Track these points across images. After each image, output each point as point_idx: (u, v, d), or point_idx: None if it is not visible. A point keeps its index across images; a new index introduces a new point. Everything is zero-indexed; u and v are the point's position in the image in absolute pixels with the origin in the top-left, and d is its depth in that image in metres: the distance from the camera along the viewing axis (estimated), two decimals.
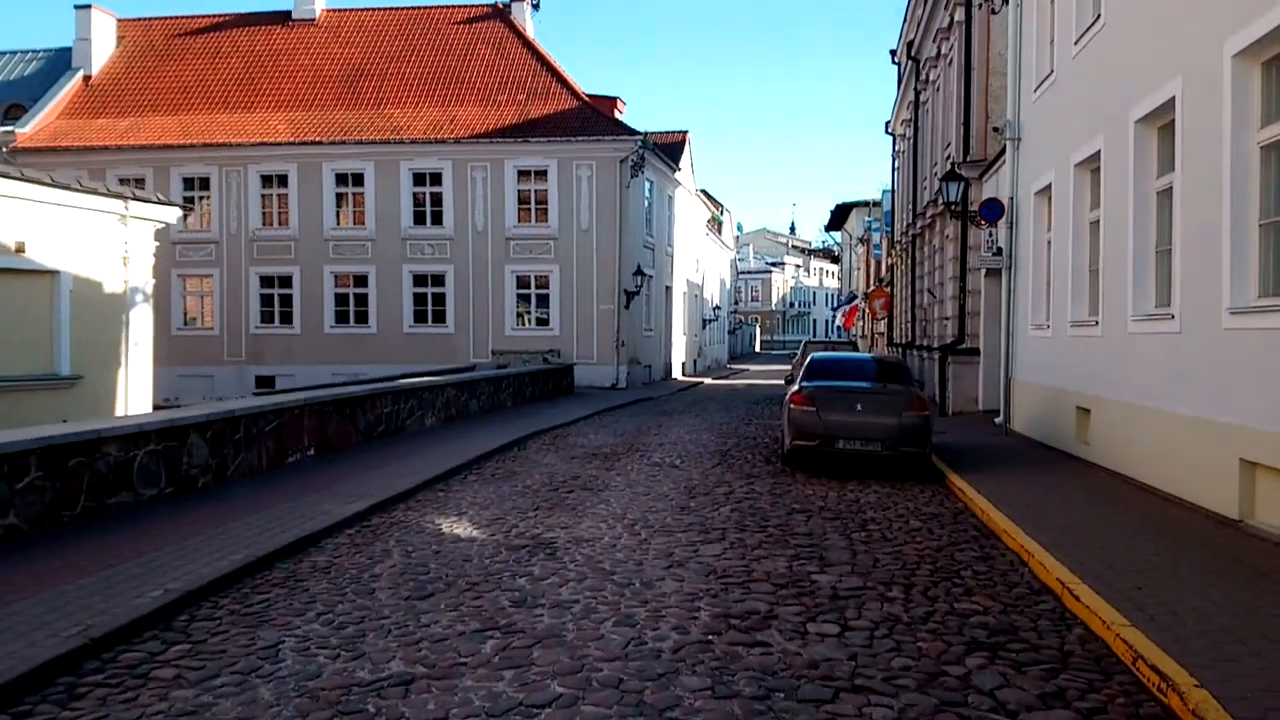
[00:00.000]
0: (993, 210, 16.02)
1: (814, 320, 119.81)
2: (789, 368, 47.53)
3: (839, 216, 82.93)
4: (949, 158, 24.43)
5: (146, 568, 6.86)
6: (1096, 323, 11.67)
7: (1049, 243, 14.41)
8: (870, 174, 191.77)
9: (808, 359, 13.39)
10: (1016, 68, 15.92)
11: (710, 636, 5.39)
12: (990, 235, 16.23)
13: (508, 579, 6.71)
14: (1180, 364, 9.17)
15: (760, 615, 5.80)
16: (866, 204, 72.61)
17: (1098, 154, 11.73)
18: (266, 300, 34.94)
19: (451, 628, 5.62)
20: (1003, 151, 17.77)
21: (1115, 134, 11.01)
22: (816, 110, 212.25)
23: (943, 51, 25.37)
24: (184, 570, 6.78)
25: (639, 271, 32.79)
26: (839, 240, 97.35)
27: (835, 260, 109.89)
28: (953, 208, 18.57)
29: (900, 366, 13.24)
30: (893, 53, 42.24)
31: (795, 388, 12.54)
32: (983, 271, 20.10)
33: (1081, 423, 12.41)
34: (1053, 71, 13.95)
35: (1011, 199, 16.06)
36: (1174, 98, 9.23)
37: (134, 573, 6.70)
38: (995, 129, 16.25)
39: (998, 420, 16.49)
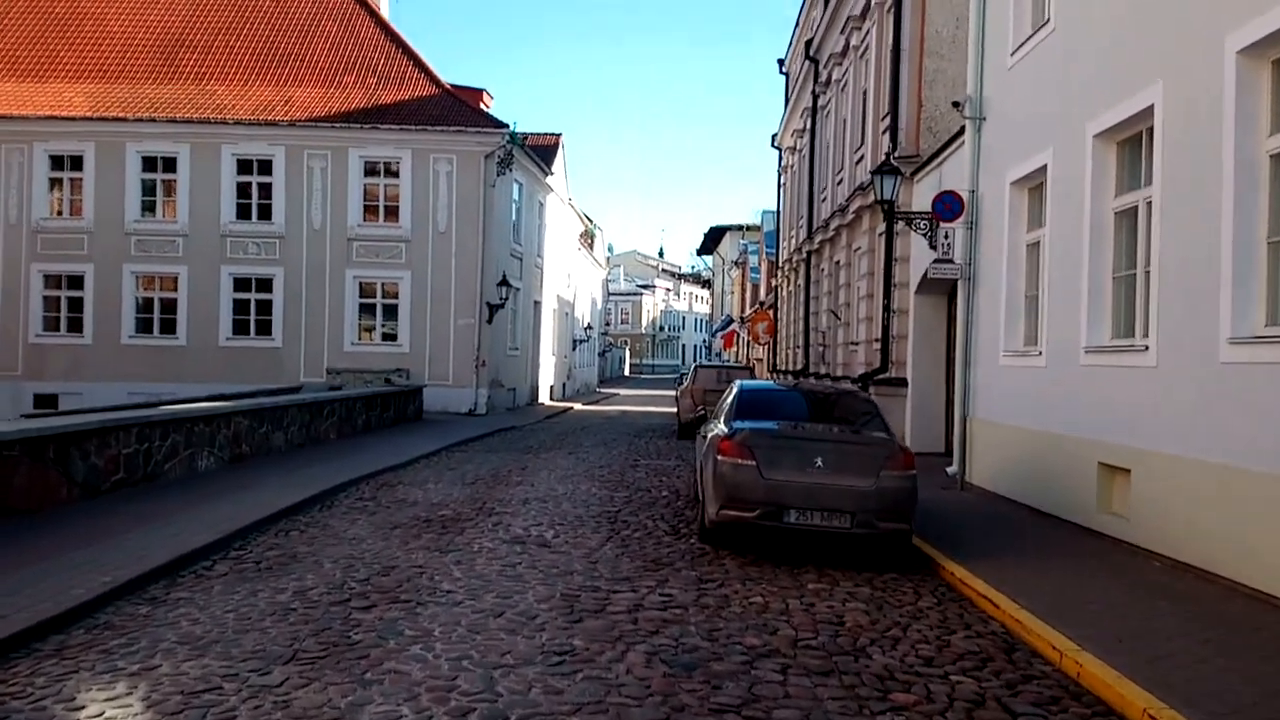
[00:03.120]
0: (949, 206, 12.72)
1: (683, 345, 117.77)
2: (673, 394, 43.54)
3: (712, 240, 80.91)
4: (860, 160, 21.41)
5: None
6: (1146, 348, 8.31)
7: (1038, 244, 11.14)
8: (741, 200, 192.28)
9: (735, 391, 9.55)
10: (980, 31, 12.74)
11: None
12: (946, 239, 12.94)
13: None
14: None
15: None
16: (741, 228, 70.81)
17: (1145, 113, 8.44)
18: (51, 304, 29.13)
19: None
20: (951, 141, 14.64)
21: (1186, 79, 7.73)
22: (689, 132, 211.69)
23: (853, 43, 22.41)
24: None
25: (504, 282, 28.60)
26: (710, 264, 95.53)
27: (706, 285, 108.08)
28: (885, 208, 15.29)
29: (864, 401, 9.60)
30: (780, 62, 39.81)
31: (723, 429, 8.67)
32: (911, 287, 16.97)
33: (1108, 485, 9.04)
34: (1048, 21, 10.72)
35: (973, 193, 12.82)
36: None
37: None
38: (956, 104, 13.07)
39: (950, 470, 13.15)
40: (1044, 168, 10.65)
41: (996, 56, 12.29)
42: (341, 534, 8.89)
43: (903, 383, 17.08)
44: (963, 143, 13.23)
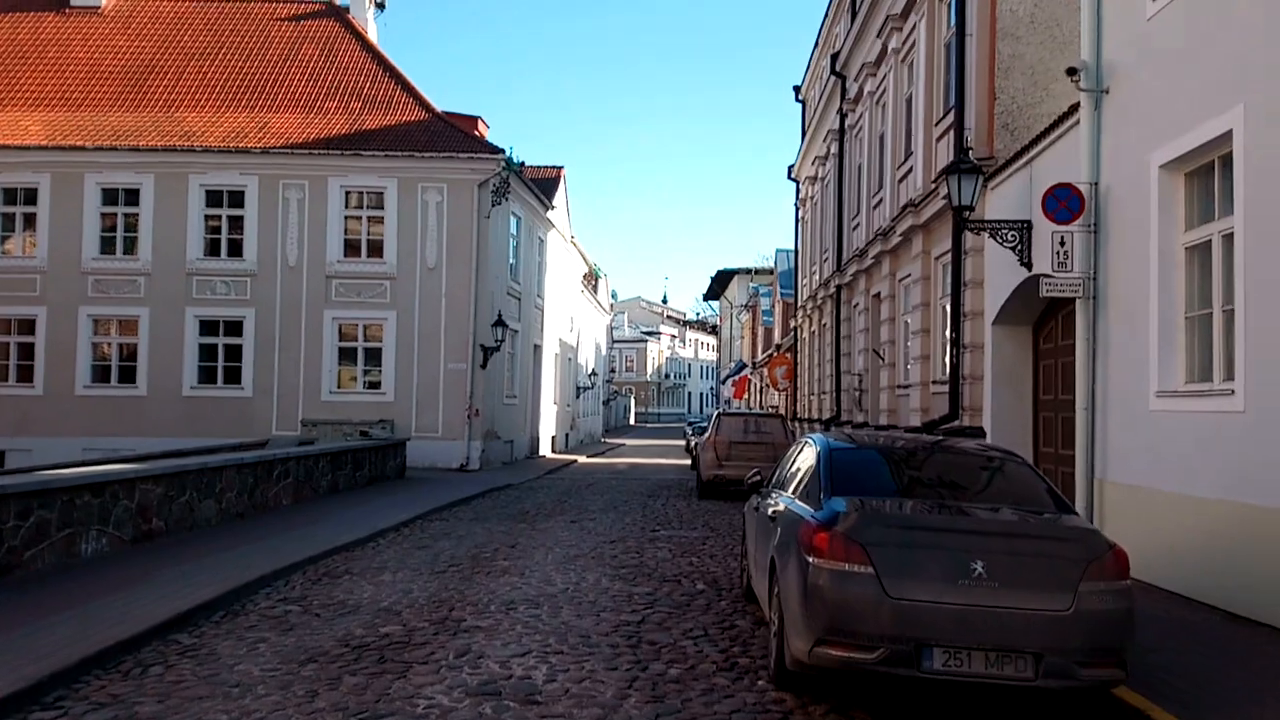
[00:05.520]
0: (1065, 203, 9.79)
1: (689, 393, 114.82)
2: (682, 443, 39.84)
3: (719, 284, 78.37)
4: (906, 175, 18.59)
5: None
6: None
7: (1209, 243, 8.18)
8: (746, 246, 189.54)
9: (817, 450, 6.48)
10: None
11: None
12: (1063, 245, 9.97)
13: None
14: None
15: None
16: (750, 271, 68.35)
17: None
18: None
19: None
20: (1050, 129, 11.73)
21: None
22: (690, 179, 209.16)
23: (892, 46, 19.70)
24: None
25: (500, 322, 25.72)
26: (717, 309, 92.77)
27: (713, 331, 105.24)
28: (961, 216, 12.35)
29: (1007, 459, 6.51)
30: (796, 89, 37.38)
31: (808, 512, 5.62)
32: (987, 318, 14.00)
33: None
34: None
35: (1093, 186, 9.90)
36: None
37: None
38: (1070, 71, 10.21)
39: None
40: (1225, 136, 7.71)
41: (1127, 7, 9.44)
42: (223, 675, 5.80)
43: (978, 432, 13.95)
44: (1075, 123, 10.34)
